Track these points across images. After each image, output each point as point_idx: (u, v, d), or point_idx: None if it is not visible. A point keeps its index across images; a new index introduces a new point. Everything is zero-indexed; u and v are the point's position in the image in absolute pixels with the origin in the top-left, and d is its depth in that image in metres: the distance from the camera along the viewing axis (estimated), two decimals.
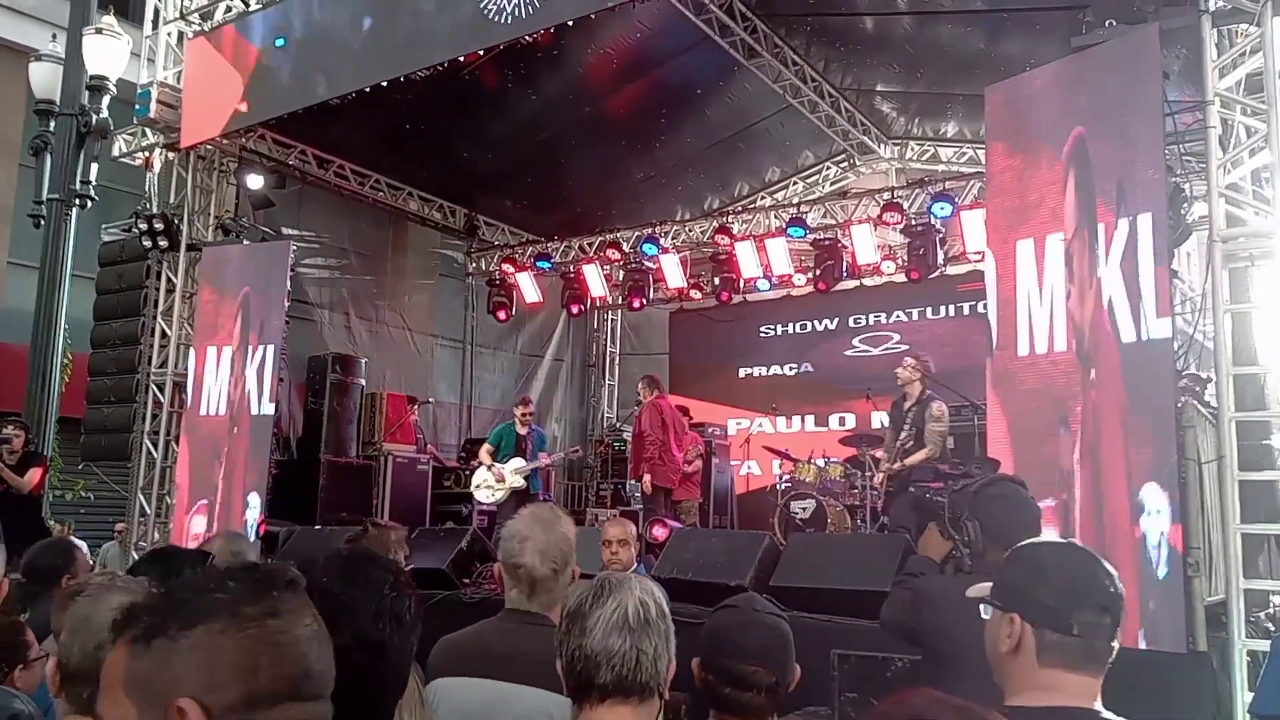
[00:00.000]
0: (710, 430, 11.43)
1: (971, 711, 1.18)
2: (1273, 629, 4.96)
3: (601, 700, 1.66)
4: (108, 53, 8.49)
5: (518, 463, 9.09)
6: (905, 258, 10.40)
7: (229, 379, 8.85)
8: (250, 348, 8.76)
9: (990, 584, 1.82)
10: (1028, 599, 1.70)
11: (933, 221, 9.89)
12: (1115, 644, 1.68)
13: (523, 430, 9.28)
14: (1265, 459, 5.12)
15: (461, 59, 7.76)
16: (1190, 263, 7.84)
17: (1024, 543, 1.90)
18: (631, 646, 1.66)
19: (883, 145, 11.80)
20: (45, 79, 8.75)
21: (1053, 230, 5.35)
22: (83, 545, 3.93)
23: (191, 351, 9.21)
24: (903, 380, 7.84)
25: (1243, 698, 4.38)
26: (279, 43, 8.47)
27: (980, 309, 8.73)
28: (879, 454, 8.29)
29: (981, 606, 1.80)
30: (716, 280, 11.62)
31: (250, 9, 9.00)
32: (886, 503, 7.99)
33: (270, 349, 8.65)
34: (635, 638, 1.66)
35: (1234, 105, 5.20)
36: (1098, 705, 1.65)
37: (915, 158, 11.84)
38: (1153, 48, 5.02)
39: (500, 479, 9.05)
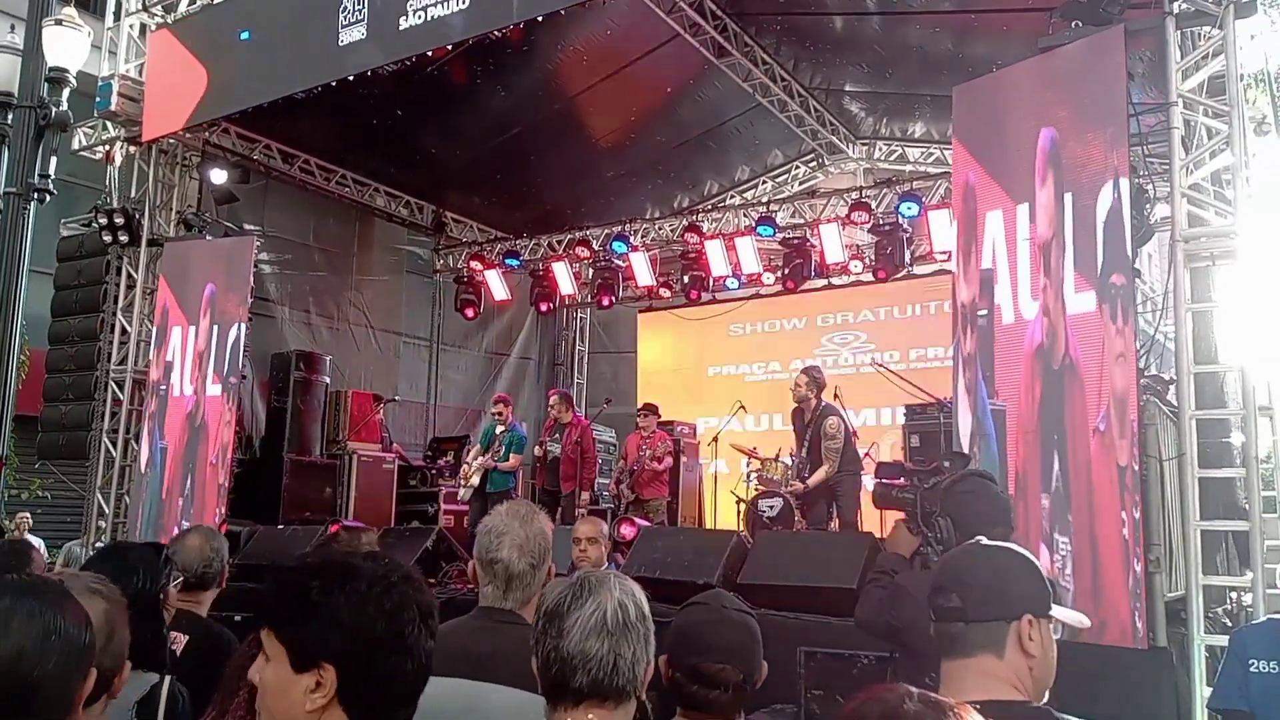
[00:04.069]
0: (678, 429, 11.43)
1: (942, 705, 1.18)
2: (1230, 624, 5.04)
3: (576, 703, 1.62)
4: (68, 44, 8.30)
5: (479, 461, 9.27)
6: (873, 257, 10.46)
7: (190, 362, 8.82)
8: (210, 333, 8.74)
9: None
10: None
11: (900, 221, 9.95)
12: (979, 628, 1.68)
13: (499, 429, 9.31)
14: (1224, 456, 5.20)
15: (430, 54, 7.68)
16: (1152, 263, 7.94)
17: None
18: (609, 650, 1.62)
19: (851, 145, 11.86)
20: (3, 70, 8.54)
21: (1017, 223, 5.41)
22: (39, 546, 3.85)
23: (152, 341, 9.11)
24: (797, 398, 7.96)
25: (1201, 693, 4.44)
26: (244, 35, 8.36)
27: (946, 308, 8.81)
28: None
29: (919, 613, 1.85)
30: (686, 279, 11.62)
31: (214, 1, 8.87)
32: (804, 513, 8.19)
33: (234, 331, 8.61)
34: (614, 641, 1.62)
35: (1196, 107, 5.27)
36: (1003, 692, 1.65)
37: (883, 158, 11.92)
38: (1118, 49, 5.07)
39: (465, 478, 9.21)
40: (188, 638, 2.94)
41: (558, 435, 9.33)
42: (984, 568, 1.75)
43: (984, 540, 1.87)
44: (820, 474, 7.67)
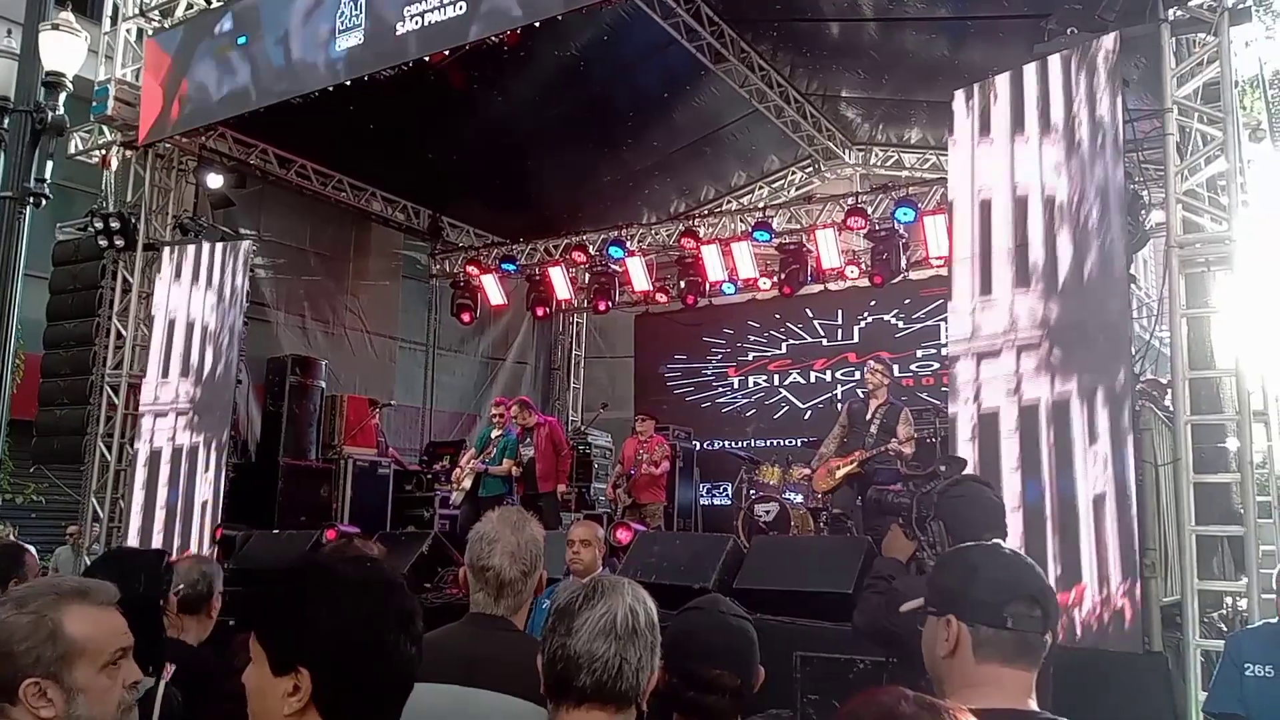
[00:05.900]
0: (675, 433, 11.42)
1: (938, 707, 1.18)
2: (1226, 629, 5.05)
3: (578, 704, 1.61)
4: (65, 49, 8.28)
5: (472, 463, 9.19)
6: (869, 262, 10.48)
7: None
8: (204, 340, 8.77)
9: (919, 600, 1.83)
10: (962, 598, 1.71)
11: (896, 226, 9.97)
12: (1049, 638, 1.69)
13: (495, 433, 9.27)
14: (1220, 461, 5.21)
15: (427, 59, 7.68)
16: (1147, 269, 7.96)
17: (951, 549, 1.91)
18: (615, 654, 1.61)
19: (847, 151, 11.87)
20: None
21: (1013, 229, 5.42)
22: (32, 549, 3.82)
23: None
24: (873, 385, 7.98)
25: (1197, 697, 4.45)
26: (240, 40, 8.36)
27: (942, 312, 8.83)
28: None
29: (917, 617, 1.81)
30: (682, 283, 11.63)
31: (211, 6, 8.87)
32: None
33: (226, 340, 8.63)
34: (620, 645, 1.62)
35: (1192, 113, 5.29)
36: (1032, 703, 1.65)
37: (879, 163, 11.94)
38: (1113, 56, 5.09)
39: (457, 481, 9.13)
40: (175, 667, 2.91)
41: (529, 440, 9.30)
42: (1042, 577, 1.76)
43: (1001, 544, 1.86)
44: (909, 447, 7.62)
